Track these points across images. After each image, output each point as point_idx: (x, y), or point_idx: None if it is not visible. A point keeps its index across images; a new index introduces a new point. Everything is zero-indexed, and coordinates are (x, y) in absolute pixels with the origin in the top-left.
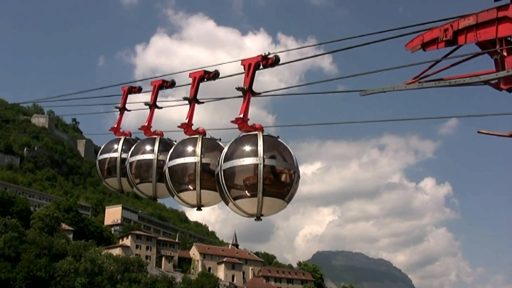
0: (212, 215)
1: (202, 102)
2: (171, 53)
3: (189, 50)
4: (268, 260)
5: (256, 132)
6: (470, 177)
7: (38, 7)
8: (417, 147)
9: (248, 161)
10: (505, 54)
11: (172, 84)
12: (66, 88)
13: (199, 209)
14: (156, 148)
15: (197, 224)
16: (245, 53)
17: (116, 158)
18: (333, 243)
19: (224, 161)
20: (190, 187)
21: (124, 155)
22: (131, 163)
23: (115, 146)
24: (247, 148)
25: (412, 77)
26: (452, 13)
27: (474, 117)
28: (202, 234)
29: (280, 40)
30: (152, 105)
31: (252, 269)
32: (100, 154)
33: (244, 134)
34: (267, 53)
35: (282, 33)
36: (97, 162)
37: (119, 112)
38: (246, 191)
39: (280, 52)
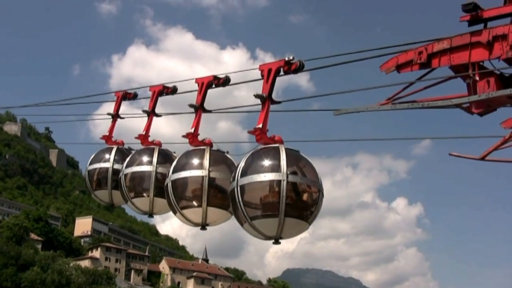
0: (183, 229)
1: (210, 111)
2: (148, 64)
3: (166, 62)
4: (237, 276)
5: (277, 145)
6: (442, 198)
7: (13, 11)
8: (390, 167)
9: (269, 176)
10: (477, 78)
11: (173, 91)
12: (40, 96)
13: (203, 228)
14: (154, 159)
15: (167, 237)
16: (222, 67)
17: (107, 168)
18: (304, 260)
19: (241, 176)
20: (195, 203)
21: (116, 166)
22: (125, 175)
23: (107, 156)
24: (267, 162)
25: (386, 98)
26: (429, 35)
27: (446, 139)
28: (172, 248)
29: (258, 56)
30: (151, 113)
31: (221, 285)
32: (90, 164)
33: (263, 146)
34: (291, 58)
35: (260, 49)
36: (86, 173)
37: (111, 120)
38: (266, 211)
39: (254, 69)
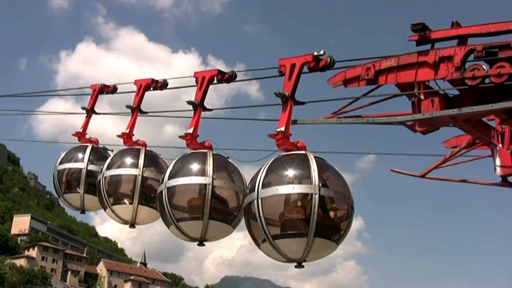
0: (123, 232)
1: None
2: (97, 62)
3: (116, 61)
4: (175, 281)
5: (304, 152)
6: (382, 213)
7: None
8: None
9: (298, 189)
10: (422, 97)
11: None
12: None
13: (201, 244)
14: (141, 161)
15: (107, 239)
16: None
17: (80, 169)
18: (242, 268)
19: (262, 187)
20: (195, 215)
21: (91, 167)
22: (105, 178)
23: (80, 155)
24: (295, 172)
25: (331, 112)
26: (379, 51)
27: (389, 155)
28: (111, 250)
29: (209, 62)
30: (136, 109)
31: None
32: (60, 163)
33: (285, 153)
34: (320, 52)
35: (212, 55)
36: (55, 173)
37: (86, 115)
38: (292, 229)
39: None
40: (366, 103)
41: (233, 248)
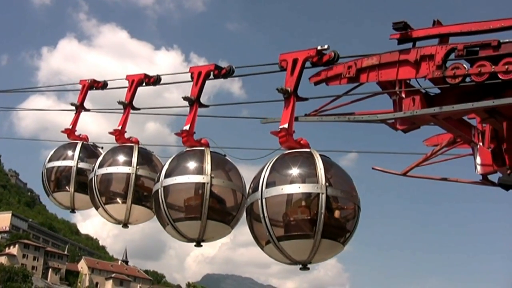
0: (104, 230)
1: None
2: (79, 59)
3: (98, 58)
4: (157, 279)
5: (308, 150)
6: (363, 211)
7: None
8: None
9: (304, 188)
10: (403, 96)
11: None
12: None
13: (198, 245)
14: (134, 159)
15: (88, 237)
16: (155, 68)
17: (70, 167)
18: (224, 266)
19: (266, 187)
20: (192, 215)
21: (82, 165)
22: (97, 177)
23: (70, 153)
24: (300, 171)
25: (313, 110)
26: (361, 49)
27: (371, 153)
28: (92, 248)
29: (192, 60)
30: (128, 105)
31: (140, 287)
32: (49, 161)
33: (289, 151)
34: (324, 47)
35: (195, 52)
36: (43, 171)
37: (75, 111)
38: (298, 230)
39: (179, 73)
40: (348, 101)
41: (215, 245)
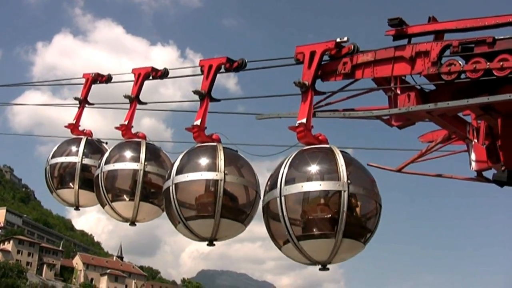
0: (99, 225)
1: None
2: (74, 54)
3: (93, 53)
4: (152, 274)
5: (328, 146)
6: None
7: None
8: None
9: (325, 186)
10: (398, 92)
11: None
12: None
13: (211, 244)
14: (142, 155)
15: (83, 233)
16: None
17: (75, 163)
18: (219, 262)
19: (286, 184)
20: (205, 214)
21: (86, 161)
22: (104, 173)
23: (74, 148)
24: (320, 168)
25: None
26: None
27: (366, 149)
28: (87, 243)
29: (188, 56)
30: (134, 99)
31: (135, 283)
32: (52, 157)
33: (307, 147)
34: (344, 39)
35: (190, 48)
36: (47, 167)
37: (78, 106)
38: (319, 229)
39: (187, 67)
40: (343, 97)
41: None
